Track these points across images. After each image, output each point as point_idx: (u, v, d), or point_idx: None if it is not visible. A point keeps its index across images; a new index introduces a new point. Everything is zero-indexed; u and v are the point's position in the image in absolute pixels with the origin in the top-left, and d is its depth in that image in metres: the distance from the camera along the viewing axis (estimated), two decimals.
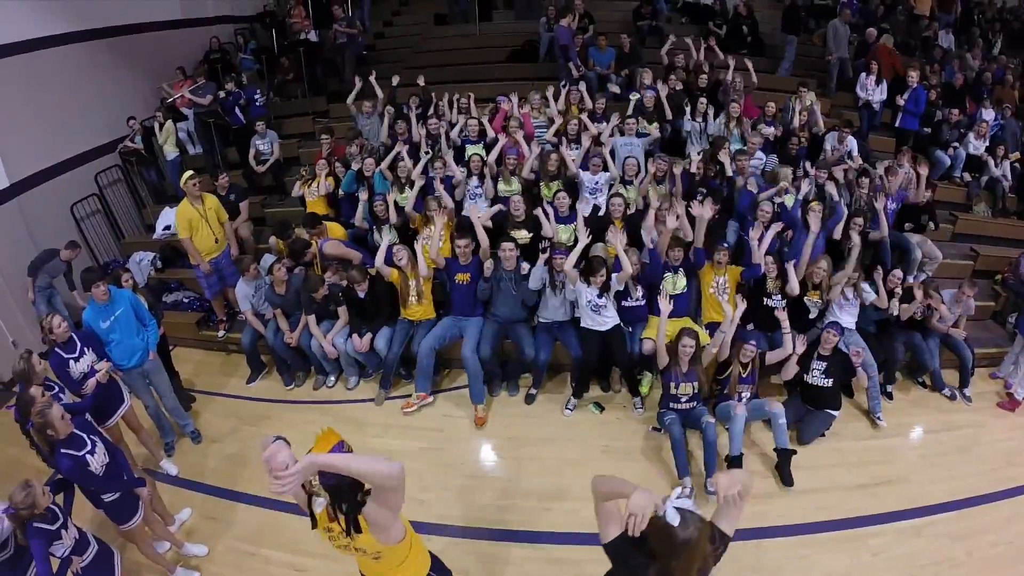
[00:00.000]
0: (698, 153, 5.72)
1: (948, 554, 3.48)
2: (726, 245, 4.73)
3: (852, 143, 6.01)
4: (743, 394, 4.23)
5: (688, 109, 6.17)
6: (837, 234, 4.97)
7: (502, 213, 5.21)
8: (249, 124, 7.00)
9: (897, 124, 6.88)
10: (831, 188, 5.22)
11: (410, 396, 4.79)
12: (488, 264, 4.69)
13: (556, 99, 6.35)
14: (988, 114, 6.89)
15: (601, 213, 5.20)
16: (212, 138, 7.42)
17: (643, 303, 4.70)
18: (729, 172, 5.31)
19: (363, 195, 5.37)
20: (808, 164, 5.59)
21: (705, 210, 4.59)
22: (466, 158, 5.59)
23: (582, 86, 6.48)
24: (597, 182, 5.36)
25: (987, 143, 6.76)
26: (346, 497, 1.88)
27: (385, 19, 10.36)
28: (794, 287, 4.54)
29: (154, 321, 4.30)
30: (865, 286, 4.63)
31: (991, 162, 6.59)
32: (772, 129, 6.05)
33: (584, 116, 5.94)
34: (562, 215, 5.04)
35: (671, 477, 3.96)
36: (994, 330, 5.55)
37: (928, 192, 5.66)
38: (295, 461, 1.78)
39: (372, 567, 2.10)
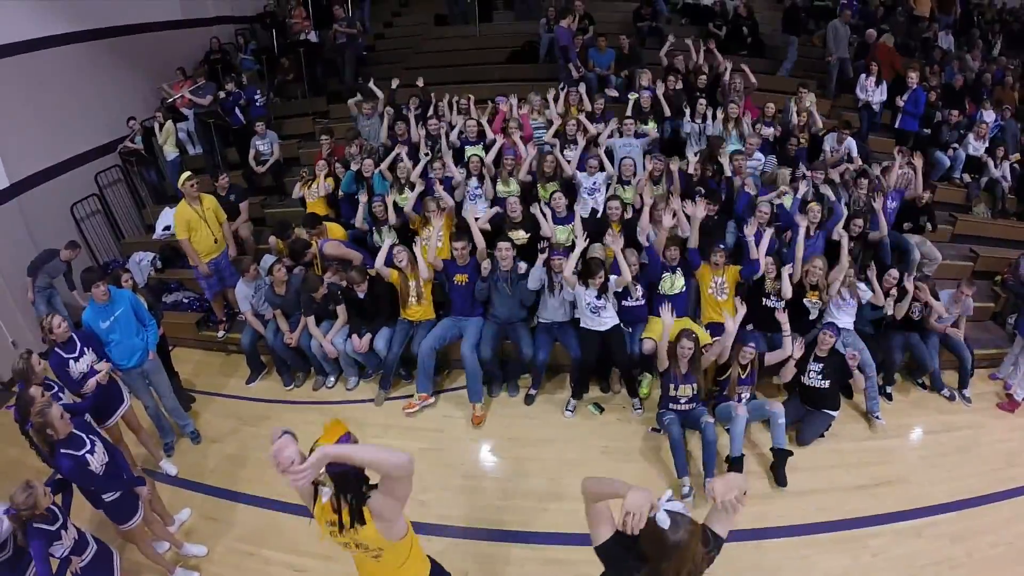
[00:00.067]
0: (695, 154, 5.73)
1: (948, 555, 3.48)
2: (723, 246, 4.72)
3: (851, 144, 6.01)
4: (742, 395, 4.22)
5: (688, 111, 6.17)
6: (836, 235, 4.97)
7: (500, 215, 5.22)
8: (249, 124, 6.99)
9: (897, 125, 6.88)
10: (827, 189, 5.21)
11: (411, 397, 4.79)
12: (485, 264, 4.70)
13: (556, 102, 6.34)
14: (988, 115, 6.88)
15: (599, 215, 5.19)
16: (212, 138, 7.41)
17: (643, 303, 4.70)
18: (727, 172, 5.32)
19: (363, 197, 5.38)
20: (804, 166, 5.57)
21: (698, 209, 4.59)
22: (465, 159, 5.59)
23: (582, 87, 6.48)
24: (595, 182, 5.36)
25: (987, 144, 6.76)
26: (351, 487, 1.90)
27: (385, 20, 10.36)
28: (786, 290, 4.52)
29: (154, 321, 4.30)
30: (861, 285, 4.64)
31: (991, 163, 6.60)
32: (771, 130, 6.06)
33: (583, 117, 5.94)
34: (559, 216, 5.04)
35: (670, 478, 3.97)
36: (994, 331, 5.55)
37: (928, 192, 5.66)
38: (301, 456, 1.79)
39: (372, 567, 2.09)
